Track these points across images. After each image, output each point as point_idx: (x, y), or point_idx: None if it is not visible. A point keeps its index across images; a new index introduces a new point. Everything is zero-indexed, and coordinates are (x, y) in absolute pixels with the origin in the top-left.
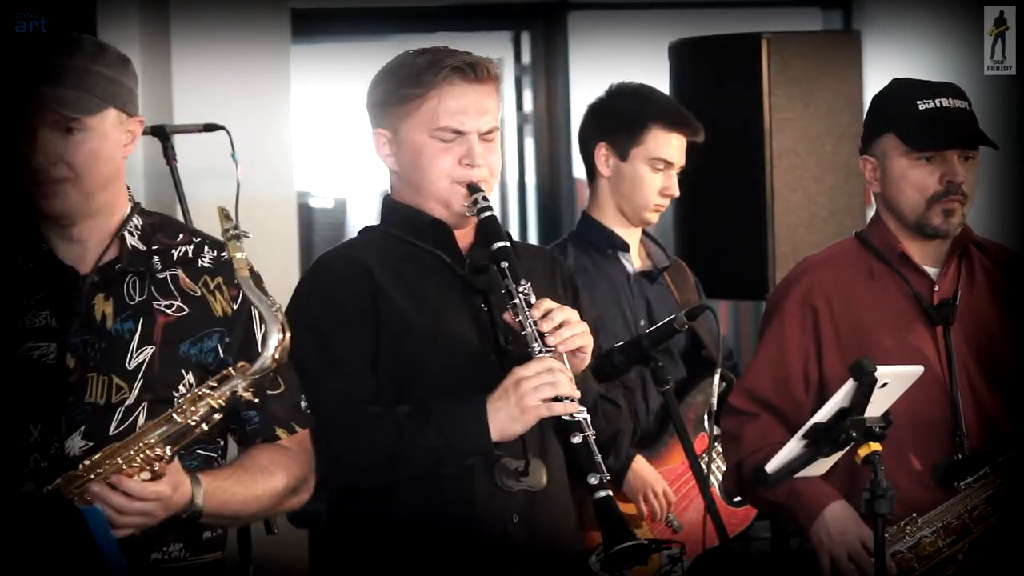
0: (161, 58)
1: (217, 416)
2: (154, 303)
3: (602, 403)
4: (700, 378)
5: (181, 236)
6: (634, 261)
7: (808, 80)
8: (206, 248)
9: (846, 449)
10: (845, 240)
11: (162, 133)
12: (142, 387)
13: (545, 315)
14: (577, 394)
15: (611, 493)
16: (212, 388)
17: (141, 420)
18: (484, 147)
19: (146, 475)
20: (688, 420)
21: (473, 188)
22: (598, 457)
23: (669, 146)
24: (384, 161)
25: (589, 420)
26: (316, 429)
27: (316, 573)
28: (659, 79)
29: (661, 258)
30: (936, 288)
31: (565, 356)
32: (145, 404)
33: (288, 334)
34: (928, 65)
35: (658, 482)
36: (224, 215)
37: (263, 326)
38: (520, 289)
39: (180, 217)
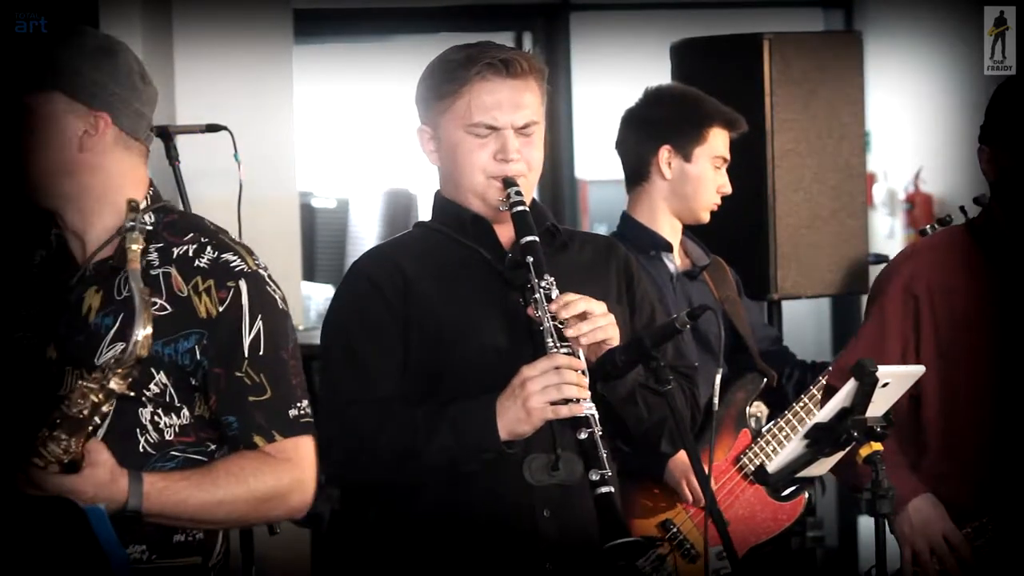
0: (163, 59)
1: (105, 408)
2: None
3: (643, 392)
4: (740, 375)
5: (190, 235)
6: (676, 260)
7: (809, 80)
8: (208, 249)
9: (847, 449)
10: (953, 227)
11: (165, 134)
12: None
13: (564, 308)
14: (586, 393)
15: (612, 490)
16: (95, 380)
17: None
18: (521, 141)
19: (54, 468)
20: (729, 417)
21: (508, 182)
22: (603, 454)
23: (726, 143)
24: (428, 158)
25: (597, 416)
26: (336, 429)
27: (320, 572)
28: (661, 80)
29: (700, 256)
30: None
31: (583, 350)
32: (112, 401)
33: (149, 330)
34: (928, 65)
35: None
36: (131, 206)
37: (136, 319)
38: (542, 284)
39: None
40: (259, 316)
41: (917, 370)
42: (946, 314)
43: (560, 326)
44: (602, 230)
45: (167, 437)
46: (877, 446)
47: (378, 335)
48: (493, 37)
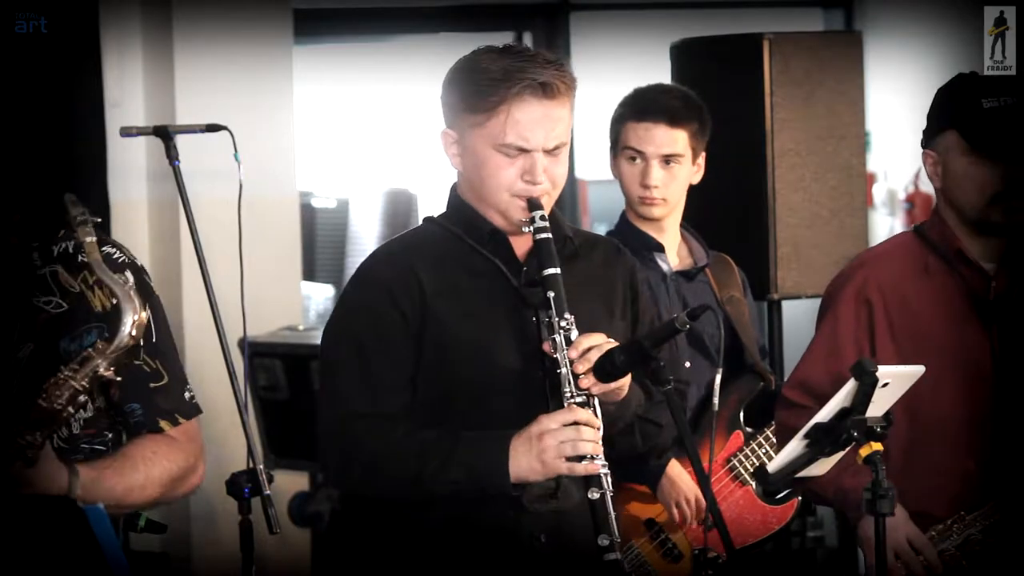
0: (164, 58)
1: (82, 398)
2: (34, 300)
3: (641, 423)
4: (736, 377)
5: (62, 233)
6: (671, 260)
7: (809, 80)
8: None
9: (847, 449)
10: (903, 234)
11: (165, 133)
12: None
13: (582, 355)
14: (601, 450)
15: (619, 557)
16: (74, 370)
17: None
18: (549, 160)
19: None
20: (722, 418)
21: (533, 205)
22: (612, 517)
23: (636, 136)
24: (450, 160)
25: (609, 478)
26: (342, 442)
27: (320, 572)
28: (660, 79)
29: (701, 255)
30: (993, 284)
31: (597, 400)
32: (91, 388)
33: (145, 312)
34: (928, 65)
35: (691, 490)
36: (72, 201)
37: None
38: (561, 324)
39: (183, 217)
40: (147, 305)
41: (917, 370)
42: (901, 319)
43: (577, 373)
44: (602, 230)
45: (75, 431)
46: (877, 446)
47: (391, 347)
48: (493, 37)
